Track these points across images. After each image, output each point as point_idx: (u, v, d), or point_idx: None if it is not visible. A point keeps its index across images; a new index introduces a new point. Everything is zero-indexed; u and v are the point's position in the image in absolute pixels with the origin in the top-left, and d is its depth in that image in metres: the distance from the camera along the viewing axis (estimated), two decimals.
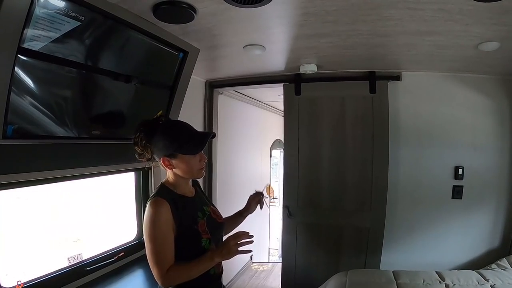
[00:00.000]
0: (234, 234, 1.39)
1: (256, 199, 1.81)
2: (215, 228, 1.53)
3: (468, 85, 2.96)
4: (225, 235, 1.77)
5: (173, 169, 1.46)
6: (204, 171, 1.53)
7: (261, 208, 1.81)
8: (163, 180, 1.52)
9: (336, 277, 2.62)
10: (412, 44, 2.28)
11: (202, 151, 1.49)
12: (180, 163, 1.44)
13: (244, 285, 4.44)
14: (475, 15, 1.73)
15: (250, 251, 1.40)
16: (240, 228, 1.81)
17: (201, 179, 1.65)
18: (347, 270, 2.66)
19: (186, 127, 1.49)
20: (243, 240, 1.37)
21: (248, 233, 1.38)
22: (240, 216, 1.83)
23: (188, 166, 1.45)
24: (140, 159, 1.50)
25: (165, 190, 1.45)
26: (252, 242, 1.38)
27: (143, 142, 1.46)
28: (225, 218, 1.80)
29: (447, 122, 2.98)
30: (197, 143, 1.44)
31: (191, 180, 1.58)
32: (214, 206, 1.65)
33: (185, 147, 1.41)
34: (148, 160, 1.49)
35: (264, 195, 1.84)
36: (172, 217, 1.36)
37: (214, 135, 1.50)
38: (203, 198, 1.64)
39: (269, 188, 1.93)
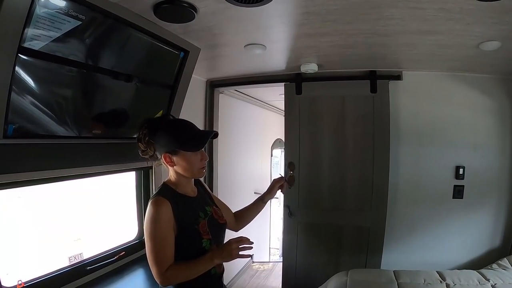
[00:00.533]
0: (236, 238, 1.40)
1: (280, 183, 1.83)
2: (216, 229, 1.53)
3: (469, 84, 2.96)
4: (246, 224, 1.83)
5: (174, 167, 1.46)
6: (205, 170, 1.53)
7: (282, 193, 1.87)
8: (165, 180, 1.53)
9: (337, 277, 2.62)
10: (413, 44, 2.27)
11: (204, 150, 1.50)
12: (181, 160, 1.44)
13: (244, 285, 4.44)
14: (476, 15, 1.73)
15: (249, 256, 1.41)
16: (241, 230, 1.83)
17: (202, 178, 1.65)
18: (348, 269, 2.66)
19: (189, 125, 1.50)
20: (244, 245, 1.38)
21: (249, 239, 1.40)
22: (262, 202, 1.84)
23: (189, 163, 1.45)
24: (143, 156, 1.51)
25: (166, 190, 1.46)
26: (251, 248, 1.41)
27: (147, 138, 1.47)
28: (244, 208, 1.84)
29: (448, 121, 2.98)
30: (198, 141, 1.45)
31: (193, 179, 1.59)
32: (217, 206, 1.65)
33: (187, 144, 1.42)
34: (151, 157, 1.50)
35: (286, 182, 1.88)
36: (173, 216, 1.37)
37: (216, 134, 1.50)
38: (205, 198, 1.63)
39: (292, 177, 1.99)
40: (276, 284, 4.37)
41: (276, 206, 6.54)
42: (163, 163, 1.48)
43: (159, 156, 1.48)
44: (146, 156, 1.51)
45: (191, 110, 3.04)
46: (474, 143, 2.95)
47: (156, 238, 1.34)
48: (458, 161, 2.96)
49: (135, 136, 1.49)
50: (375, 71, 2.99)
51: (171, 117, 1.58)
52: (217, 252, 1.38)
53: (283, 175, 1.90)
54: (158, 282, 1.37)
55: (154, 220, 1.34)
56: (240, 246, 1.37)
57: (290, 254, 3.33)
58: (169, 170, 1.51)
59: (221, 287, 1.59)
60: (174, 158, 1.44)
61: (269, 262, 5.51)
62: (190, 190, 1.55)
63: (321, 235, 3.23)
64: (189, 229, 1.41)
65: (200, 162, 1.48)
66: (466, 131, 2.96)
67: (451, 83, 2.98)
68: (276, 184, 1.84)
